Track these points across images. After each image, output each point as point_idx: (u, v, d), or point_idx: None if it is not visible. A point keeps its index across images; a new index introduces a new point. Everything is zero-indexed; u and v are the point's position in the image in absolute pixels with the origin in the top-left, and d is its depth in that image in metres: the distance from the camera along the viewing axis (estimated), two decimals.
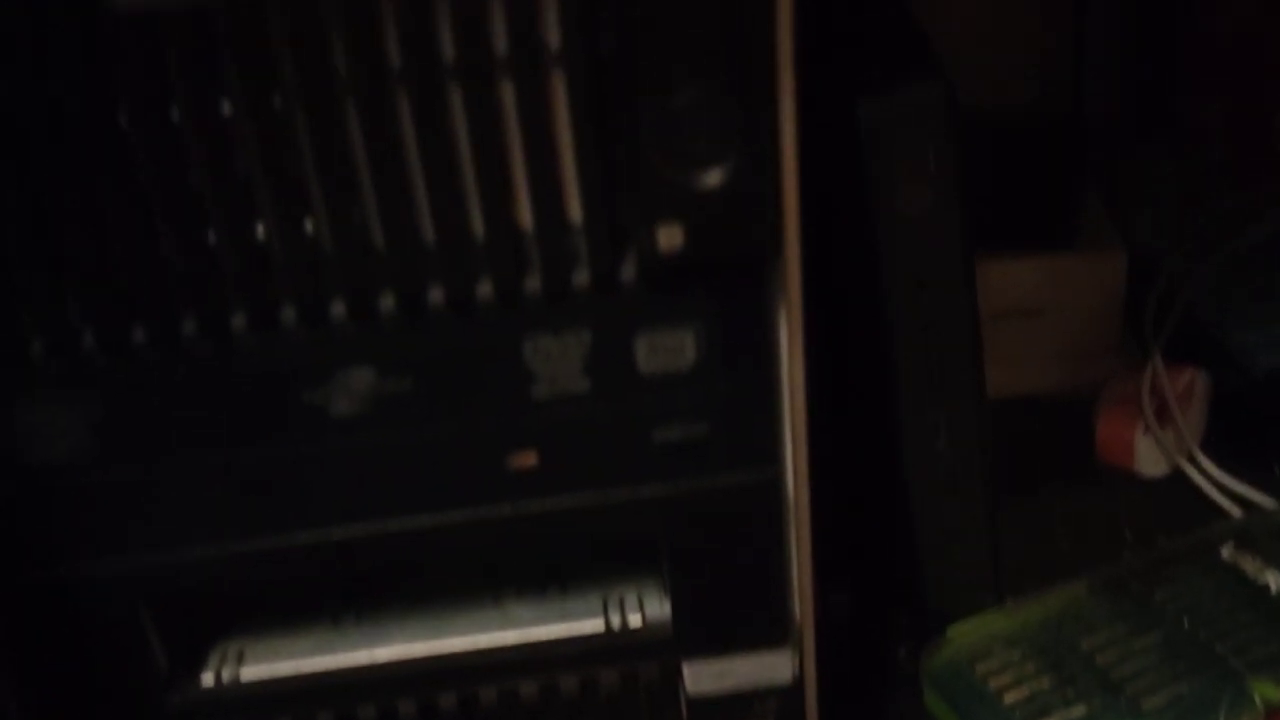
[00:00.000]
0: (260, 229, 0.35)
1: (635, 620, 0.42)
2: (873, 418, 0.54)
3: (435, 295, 0.36)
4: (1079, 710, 0.48)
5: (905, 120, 0.49)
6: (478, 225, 0.35)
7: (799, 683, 0.43)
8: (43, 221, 0.34)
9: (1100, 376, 0.67)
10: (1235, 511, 0.59)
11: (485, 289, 0.36)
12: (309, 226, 0.35)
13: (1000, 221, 0.69)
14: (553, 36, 0.33)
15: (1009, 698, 0.49)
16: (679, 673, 0.43)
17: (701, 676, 0.42)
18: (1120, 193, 0.72)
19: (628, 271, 0.36)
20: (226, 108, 0.34)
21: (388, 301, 0.36)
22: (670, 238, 0.34)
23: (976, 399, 0.53)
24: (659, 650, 0.42)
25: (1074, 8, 0.77)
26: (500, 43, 0.33)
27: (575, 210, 0.35)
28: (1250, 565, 0.54)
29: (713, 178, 0.34)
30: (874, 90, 0.49)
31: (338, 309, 0.36)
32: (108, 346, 0.36)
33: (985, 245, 0.66)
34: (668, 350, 0.37)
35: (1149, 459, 0.63)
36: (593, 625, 0.42)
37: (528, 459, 0.38)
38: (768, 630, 0.42)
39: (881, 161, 0.49)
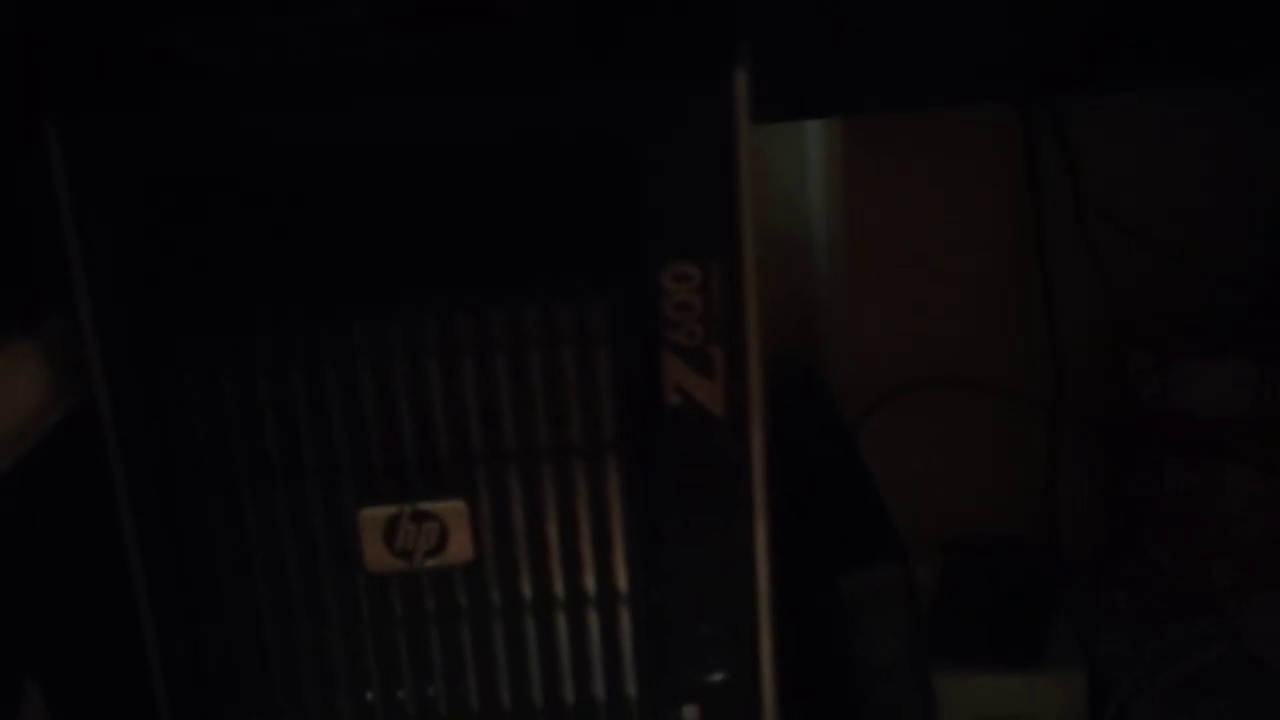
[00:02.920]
0: None
1: None
2: None
3: None
4: None
5: (877, 594, 0.67)
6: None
7: None
8: None
9: None
10: None
11: None
12: None
13: (978, 640, 0.86)
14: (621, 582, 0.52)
15: None
16: None
17: None
18: (1086, 618, 0.89)
19: None
20: None
21: None
22: (691, 713, 0.52)
23: None
24: None
25: (1045, 462, 0.96)
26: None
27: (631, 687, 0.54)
28: None
29: (718, 676, 0.52)
30: (850, 568, 0.67)
31: None
32: None
33: (965, 661, 0.83)
34: None
35: None
36: None
37: None
38: None
39: (859, 623, 0.67)
